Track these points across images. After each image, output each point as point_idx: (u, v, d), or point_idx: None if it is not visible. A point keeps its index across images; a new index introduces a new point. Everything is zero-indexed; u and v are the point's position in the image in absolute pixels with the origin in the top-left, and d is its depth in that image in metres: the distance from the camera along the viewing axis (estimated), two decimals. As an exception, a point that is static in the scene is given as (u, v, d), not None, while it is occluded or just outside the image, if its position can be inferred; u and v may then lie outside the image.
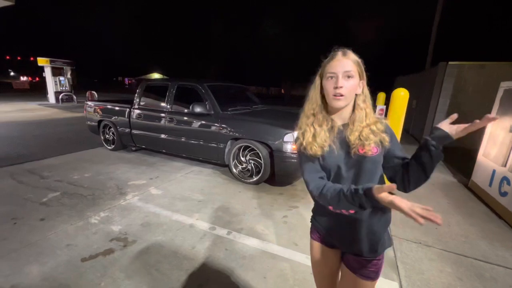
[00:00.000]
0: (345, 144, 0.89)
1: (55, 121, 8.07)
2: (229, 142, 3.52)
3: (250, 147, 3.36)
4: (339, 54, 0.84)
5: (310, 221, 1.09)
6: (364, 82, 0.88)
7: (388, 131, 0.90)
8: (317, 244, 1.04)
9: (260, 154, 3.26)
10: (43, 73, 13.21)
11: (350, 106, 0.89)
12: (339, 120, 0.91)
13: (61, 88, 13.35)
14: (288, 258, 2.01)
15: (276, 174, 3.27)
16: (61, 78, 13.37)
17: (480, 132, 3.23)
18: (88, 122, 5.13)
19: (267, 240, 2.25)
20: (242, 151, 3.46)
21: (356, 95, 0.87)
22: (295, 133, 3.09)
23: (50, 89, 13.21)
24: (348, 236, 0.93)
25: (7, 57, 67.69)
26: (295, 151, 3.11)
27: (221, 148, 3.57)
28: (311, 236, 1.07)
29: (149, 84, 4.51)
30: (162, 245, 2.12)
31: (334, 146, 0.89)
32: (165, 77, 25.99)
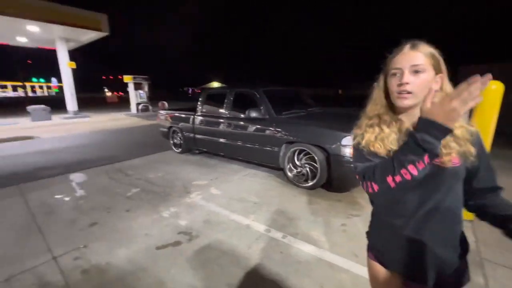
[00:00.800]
0: None
1: (136, 128, 9.55)
2: (283, 146, 3.54)
3: (305, 150, 3.30)
4: (406, 47, 0.74)
5: (366, 236, 0.98)
6: (444, 76, 0.74)
7: (477, 143, 0.74)
8: (374, 264, 0.92)
9: (315, 158, 3.17)
10: (127, 88, 15.83)
11: None
12: (408, 121, 0.79)
13: (140, 100, 15.74)
14: (347, 269, 1.89)
15: (333, 179, 3.12)
16: (141, 91, 15.76)
17: None
18: (161, 129, 5.89)
19: (324, 247, 2.16)
20: (297, 154, 3.42)
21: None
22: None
23: (132, 102, 15.71)
24: (409, 260, 0.80)
25: (103, 77, 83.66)
26: (355, 155, 2.91)
27: (276, 152, 3.61)
28: (367, 254, 0.96)
29: (209, 92, 4.92)
30: (222, 242, 2.27)
31: None
32: (223, 85, 27.87)
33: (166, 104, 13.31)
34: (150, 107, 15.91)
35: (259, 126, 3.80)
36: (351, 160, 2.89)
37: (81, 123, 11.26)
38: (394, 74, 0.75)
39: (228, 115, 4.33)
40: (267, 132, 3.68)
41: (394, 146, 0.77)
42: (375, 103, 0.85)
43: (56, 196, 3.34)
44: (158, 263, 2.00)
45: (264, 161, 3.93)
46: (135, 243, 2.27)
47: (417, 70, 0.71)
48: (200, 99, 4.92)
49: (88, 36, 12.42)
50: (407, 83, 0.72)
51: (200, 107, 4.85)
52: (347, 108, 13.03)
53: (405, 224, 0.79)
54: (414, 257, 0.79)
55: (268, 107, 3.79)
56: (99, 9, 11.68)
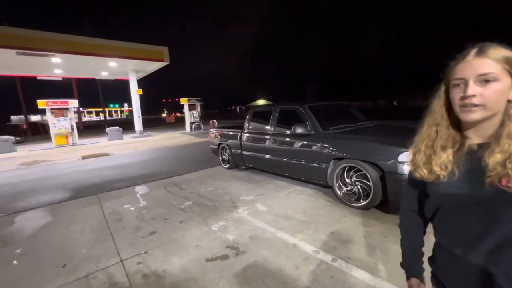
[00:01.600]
0: (478, 170, 0.65)
1: (190, 145, 10.41)
2: (331, 162, 3.39)
3: (356, 167, 3.10)
4: (472, 53, 0.64)
5: (428, 263, 0.87)
6: None
7: None
8: None
9: (367, 175, 2.94)
10: (183, 109, 17.55)
11: (497, 118, 0.64)
12: (476, 137, 0.69)
13: (193, 119, 17.22)
14: (411, 304, 1.65)
15: (389, 199, 2.83)
16: (194, 112, 17.29)
17: None
18: (211, 146, 6.30)
19: (381, 276, 1.94)
20: (347, 171, 3.23)
21: (508, 101, 0.63)
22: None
23: (187, 121, 17.30)
24: None
25: (163, 100, 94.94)
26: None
27: (323, 168, 3.48)
28: (431, 281, 0.86)
29: (255, 110, 5.11)
30: (268, 259, 2.24)
31: (457, 171, 0.68)
32: (269, 102, 28.58)
33: (216, 122, 14.25)
34: (202, 126, 17.23)
35: (305, 142, 3.75)
36: (411, 178, 2.60)
37: (145, 141, 12.83)
38: (458, 85, 0.66)
39: (273, 132, 4.40)
40: (314, 148, 3.60)
41: (444, 171, 0.68)
42: (433, 115, 0.76)
43: (124, 206, 3.81)
44: (207, 275, 2.08)
45: (311, 177, 3.82)
46: (187, 253, 2.42)
47: (487, 79, 0.61)
48: (247, 117, 5.14)
49: (153, 66, 14.44)
50: (473, 95, 0.62)
51: (247, 125, 5.06)
52: (404, 121, 11.86)
53: (465, 254, 0.69)
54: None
55: (314, 123, 3.73)
56: (160, 41, 13.58)
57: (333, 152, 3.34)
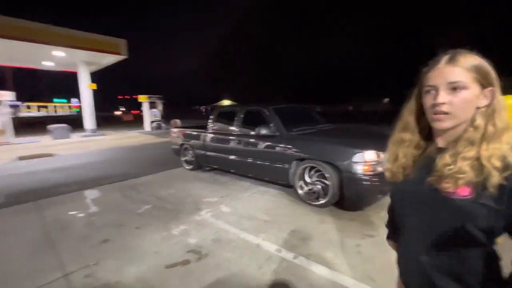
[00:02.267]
0: (427, 171, 0.66)
1: (149, 146, 9.80)
2: (294, 163, 3.51)
3: (316, 167, 3.26)
4: (443, 60, 0.64)
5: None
6: (495, 90, 0.62)
7: None
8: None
9: (326, 175, 3.11)
10: (141, 107, 16.48)
11: (464, 125, 0.64)
12: (442, 142, 0.69)
13: (154, 118, 16.29)
14: (363, 294, 1.78)
15: (345, 197, 3.03)
16: (154, 110, 16.37)
17: None
18: (173, 146, 6.02)
19: (338, 270, 2.06)
20: (308, 172, 3.38)
21: (477, 108, 0.63)
22: (367, 152, 2.85)
23: (146, 120, 16.28)
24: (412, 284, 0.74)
25: (119, 97, 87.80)
26: (367, 173, 2.84)
27: (286, 169, 3.58)
28: None
29: (220, 110, 5.05)
30: (231, 261, 2.21)
31: (414, 172, 0.71)
32: (234, 102, 28.50)
33: (178, 122, 13.69)
34: (163, 125, 16.40)
35: (269, 143, 3.81)
36: (364, 177, 2.83)
37: (98, 140, 11.70)
38: (429, 92, 0.66)
39: (238, 133, 4.39)
40: (277, 149, 3.68)
41: (401, 173, 0.72)
42: (404, 120, 0.77)
43: (71, 212, 3.41)
44: (167, 282, 1.97)
45: (275, 178, 3.90)
46: (144, 261, 2.26)
47: (455, 87, 0.61)
48: (211, 117, 5.04)
49: (108, 59, 13.25)
50: (442, 103, 0.62)
51: (211, 125, 4.96)
52: (359, 124, 12.91)
53: (404, 243, 0.76)
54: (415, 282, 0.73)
55: (278, 124, 3.82)
56: (119, 34, 12.58)
57: (296, 153, 3.46)
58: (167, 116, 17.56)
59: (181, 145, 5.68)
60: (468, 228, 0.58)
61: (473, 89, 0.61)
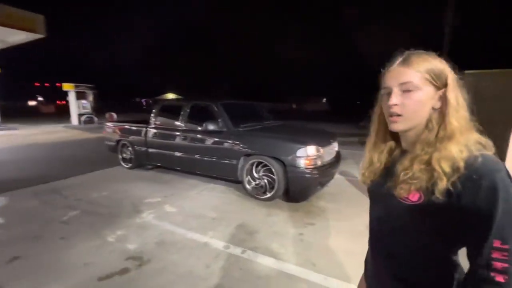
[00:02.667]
0: (389, 174, 0.67)
1: (77, 142, 8.49)
2: (242, 159, 3.54)
3: (263, 163, 3.35)
4: (397, 61, 0.63)
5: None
6: (451, 90, 0.59)
7: (480, 184, 0.50)
8: None
9: (273, 170, 3.24)
10: (67, 97, 14.13)
11: (422, 127, 0.62)
12: (404, 144, 0.69)
13: (83, 110, 14.15)
14: (305, 278, 1.93)
15: (290, 190, 3.21)
16: (84, 101, 14.21)
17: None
18: (107, 142, 5.35)
19: (283, 259, 2.17)
20: (256, 167, 3.45)
21: (434, 109, 0.61)
22: (309, 148, 3.05)
23: (73, 112, 14.03)
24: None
25: (36, 84, 73.26)
26: (309, 166, 3.06)
27: (234, 165, 3.58)
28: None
29: (164, 104, 4.71)
30: (177, 264, 2.10)
31: (379, 178, 0.71)
32: (179, 97, 27.04)
33: (114, 115, 12.24)
34: (96, 119, 14.43)
35: (217, 139, 3.74)
36: (306, 171, 3.04)
37: (6, 136, 9.54)
38: (385, 94, 0.65)
39: (184, 128, 4.17)
40: (225, 145, 3.65)
41: (371, 177, 0.72)
42: (372, 121, 0.75)
43: (-37, 227, 2.70)
44: (100, 297, 1.74)
45: (223, 174, 3.86)
46: (71, 276, 1.95)
47: (407, 89, 0.60)
48: (153, 111, 4.65)
49: (19, 37, 10.82)
50: (394, 105, 0.61)
51: (154, 119, 4.58)
52: (302, 121, 13.85)
53: (370, 241, 0.77)
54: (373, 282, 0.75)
55: (226, 120, 3.78)
56: (41, 9, 10.38)
57: (244, 149, 3.49)
58: (101, 109, 15.45)
59: (118, 141, 5.09)
60: (418, 235, 0.59)
61: (426, 90, 0.59)
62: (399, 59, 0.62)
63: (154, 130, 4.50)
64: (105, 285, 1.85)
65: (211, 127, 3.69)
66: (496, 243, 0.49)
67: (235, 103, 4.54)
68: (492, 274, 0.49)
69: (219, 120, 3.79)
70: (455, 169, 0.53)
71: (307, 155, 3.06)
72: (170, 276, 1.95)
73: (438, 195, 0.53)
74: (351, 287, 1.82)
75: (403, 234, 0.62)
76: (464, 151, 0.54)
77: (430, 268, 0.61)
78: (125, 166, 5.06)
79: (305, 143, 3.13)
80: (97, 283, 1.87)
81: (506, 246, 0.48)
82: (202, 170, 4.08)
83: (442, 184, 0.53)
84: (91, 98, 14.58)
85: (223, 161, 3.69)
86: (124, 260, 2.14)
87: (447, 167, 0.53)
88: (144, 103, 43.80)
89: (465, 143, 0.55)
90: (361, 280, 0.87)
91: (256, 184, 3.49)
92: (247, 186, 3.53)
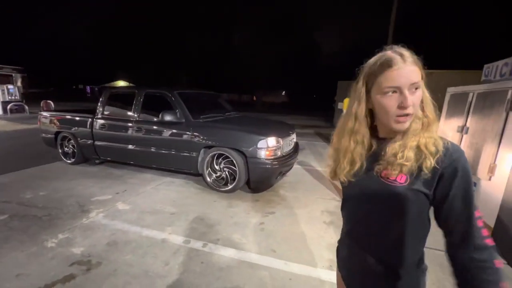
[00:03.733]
0: (375, 161, 0.68)
1: (4, 134, 7.20)
2: (202, 151, 3.43)
3: (224, 154, 3.31)
4: (398, 59, 0.61)
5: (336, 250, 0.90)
6: (423, 85, 0.65)
7: (451, 164, 0.60)
8: (341, 281, 0.85)
9: (234, 161, 3.22)
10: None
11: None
12: (383, 133, 0.71)
13: (9, 97, 12.00)
14: (267, 266, 1.99)
15: (251, 180, 3.25)
16: (10, 86, 12.04)
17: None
18: (43, 135, 4.65)
19: (245, 249, 2.20)
20: (216, 159, 3.39)
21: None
22: (269, 139, 3.09)
23: (-4, 99, 11.80)
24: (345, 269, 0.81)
25: None
26: (270, 157, 3.13)
27: (194, 157, 3.46)
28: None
29: (113, 92, 4.25)
30: (131, 264, 1.96)
31: (362, 171, 0.71)
32: (131, 84, 24.82)
33: (51, 104, 10.69)
34: (26, 107, 12.41)
35: (175, 131, 3.55)
36: (267, 161, 3.10)
37: None
38: (391, 93, 0.62)
39: (138, 119, 3.85)
40: (184, 136, 3.48)
41: (355, 164, 0.71)
42: (352, 119, 0.72)
43: None
44: (38, 310, 1.54)
45: (182, 167, 3.70)
46: (-1, 290, 1.67)
47: (414, 88, 0.61)
48: (101, 99, 4.17)
49: None
50: (410, 106, 0.61)
51: (102, 109, 4.12)
52: (262, 113, 14.05)
53: (346, 229, 0.80)
54: (347, 266, 0.80)
55: (184, 111, 3.60)
56: None
57: (204, 141, 3.38)
58: (34, 96, 13.29)
59: (57, 133, 4.47)
60: (403, 215, 0.63)
61: (422, 86, 0.63)
62: (406, 57, 0.61)
63: (102, 121, 4.05)
64: (45, 296, 1.63)
65: (168, 117, 3.48)
66: (477, 213, 0.59)
67: (193, 92, 4.34)
68: (486, 241, 0.58)
69: (177, 110, 3.59)
70: (436, 150, 0.61)
71: (268, 146, 3.12)
72: (123, 278, 1.81)
73: (427, 171, 0.60)
74: (310, 270, 1.94)
75: (390, 216, 0.66)
76: (438, 137, 0.64)
77: (409, 248, 0.66)
78: (68, 161, 4.48)
79: (266, 134, 3.18)
80: (34, 295, 1.64)
81: (479, 214, 0.59)
82: (159, 163, 3.85)
83: (430, 161, 0.60)
84: (19, 83, 12.45)
85: (182, 154, 3.53)
86: (68, 266, 1.92)
87: (433, 149, 0.61)
88: (89, 91, 39.08)
89: (436, 130, 0.65)
90: (337, 274, 0.89)
91: (217, 177, 3.43)
92: (208, 179, 3.46)
